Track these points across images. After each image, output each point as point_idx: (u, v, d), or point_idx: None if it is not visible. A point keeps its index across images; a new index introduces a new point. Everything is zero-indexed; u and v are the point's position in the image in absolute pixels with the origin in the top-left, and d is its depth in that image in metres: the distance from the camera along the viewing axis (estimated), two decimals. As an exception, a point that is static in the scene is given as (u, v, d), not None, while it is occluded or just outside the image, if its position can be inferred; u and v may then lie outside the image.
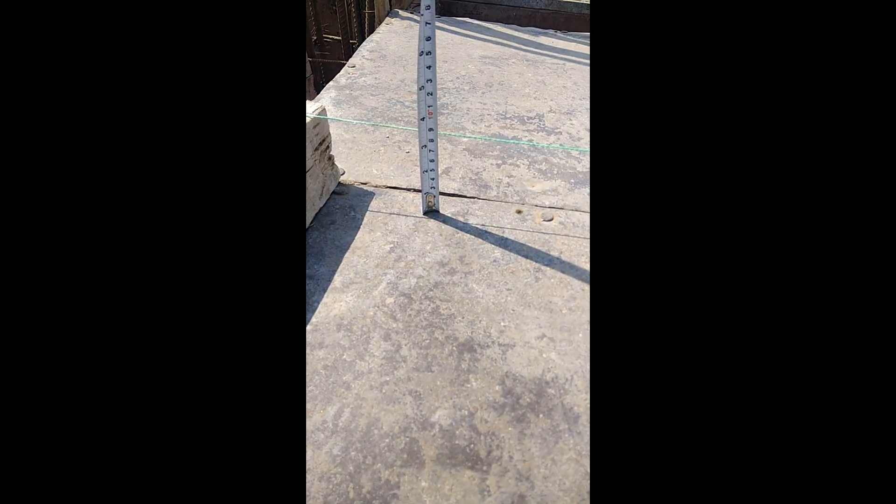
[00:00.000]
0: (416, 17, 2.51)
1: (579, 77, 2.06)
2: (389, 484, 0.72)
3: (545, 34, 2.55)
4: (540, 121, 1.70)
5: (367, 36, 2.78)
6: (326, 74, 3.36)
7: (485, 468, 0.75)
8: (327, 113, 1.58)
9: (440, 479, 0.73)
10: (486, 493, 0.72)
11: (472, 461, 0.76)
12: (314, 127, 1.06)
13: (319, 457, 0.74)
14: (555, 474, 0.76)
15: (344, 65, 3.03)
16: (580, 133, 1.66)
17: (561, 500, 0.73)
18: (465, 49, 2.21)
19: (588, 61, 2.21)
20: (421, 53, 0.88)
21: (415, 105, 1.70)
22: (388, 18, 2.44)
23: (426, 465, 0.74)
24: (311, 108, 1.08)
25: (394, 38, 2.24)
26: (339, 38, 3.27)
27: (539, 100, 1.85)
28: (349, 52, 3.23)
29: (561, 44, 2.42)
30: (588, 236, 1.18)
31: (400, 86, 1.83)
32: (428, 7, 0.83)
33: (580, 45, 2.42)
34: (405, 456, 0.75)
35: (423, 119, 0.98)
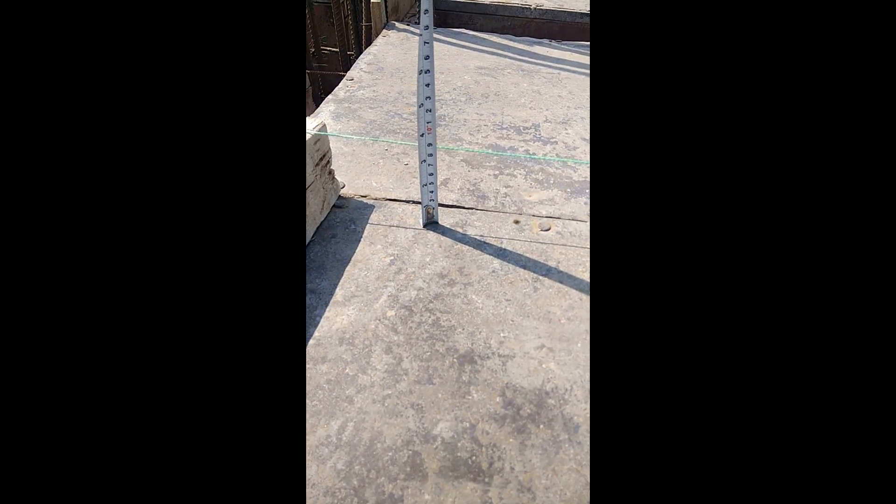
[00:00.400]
0: (412, 28, 2.55)
1: (574, 86, 2.09)
2: (393, 497, 0.73)
3: (540, 44, 2.58)
4: (536, 130, 1.73)
5: (365, 48, 2.82)
6: (325, 86, 3.39)
7: (487, 480, 0.76)
8: (327, 127, 1.60)
9: (443, 491, 0.74)
10: (488, 504, 0.73)
11: (474, 473, 0.77)
12: (315, 143, 1.08)
13: (324, 472, 0.75)
14: (556, 485, 0.77)
15: (342, 76, 3.06)
16: (576, 142, 1.68)
17: (562, 510, 0.74)
18: (461, 60, 2.24)
19: (582, 70, 2.24)
20: (420, 72, 0.90)
21: (413, 117, 1.72)
22: (384, 31, 2.48)
23: (429, 478, 0.75)
24: (312, 124, 1.10)
25: (391, 50, 2.27)
26: (337, 49, 3.31)
27: (535, 109, 1.87)
28: (347, 63, 3.26)
29: (556, 53, 2.45)
30: (586, 245, 1.20)
31: (398, 98, 1.85)
32: (426, 27, 0.85)
33: (575, 55, 2.45)
34: (408, 469, 0.76)
35: (422, 135, 1.00)
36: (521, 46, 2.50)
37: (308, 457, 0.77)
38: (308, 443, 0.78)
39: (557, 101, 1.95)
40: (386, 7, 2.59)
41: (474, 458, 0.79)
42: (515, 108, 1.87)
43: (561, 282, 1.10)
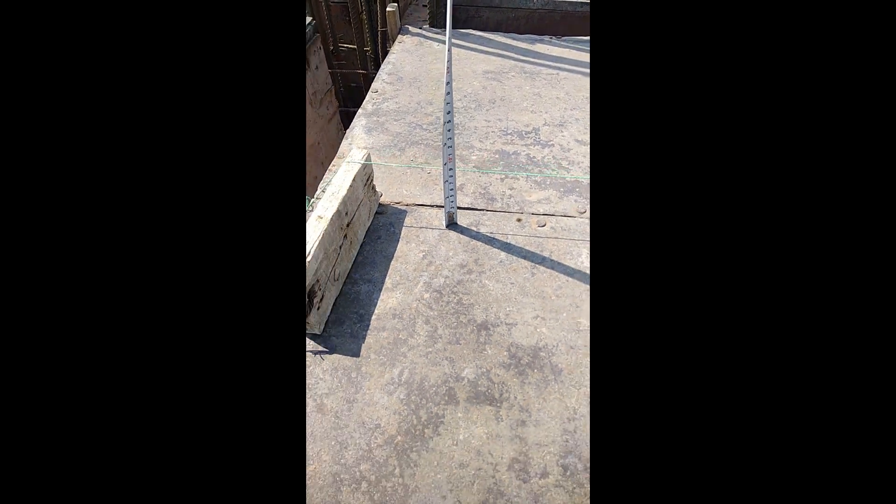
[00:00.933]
0: (424, 31, 2.79)
1: (570, 86, 2.36)
2: (437, 415, 1.13)
3: (541, 41, 2.80)
4: (536, 135, 2.03)
5: (381, 49, 3.07)
6: (344, 82, 3.66)
7: (498, 404, 1.15)
8: (360, 139, 1.94)
9: (469, 411, 1.14)
10: (500, 419, 1.13)
11: (490, 400, 1.16)
12: (364, 169, 1.43)
13: (392, 400, 1.15)
14: (545, 408, 1.16)
15: (360, 74, 3.33)
16: (570, 144, 1.98)
17: (549, 423, 1.13)
18: (469, 65, 2.50)
19: (578, 69, 2.49)
20: (444, 122, 1.23)
21: (431, 128, 2.03)
22: (399, 35, 2.73)
23: (460, 403, 1.15)
24: (360, 154, 1.44)
25: (407, 57, 2.54)
26: (354, 46, 3.55)
27: (535, 113, 2.16)
28: (364, 60, 3.51)
29: (556, 51, 2.68)
30: (573, 238, 1.54)
31: (417, 108, 2.16)
32: (448, 93, 1.17)
33: (573, 52, 2.68)
34: (446, 398, 1.16)
35: (445, 164, 1.34)
36: (523, 45, 2.73)
37: (380, 391, 1.17)
38: (379, 382, 1.18)
39: (556, 103, 2.23)
40: (399, 13, 2.83)
41: (489, 391, 1.18)
42: (518, 113, 2.16)
43: (552, 269, 1.45)
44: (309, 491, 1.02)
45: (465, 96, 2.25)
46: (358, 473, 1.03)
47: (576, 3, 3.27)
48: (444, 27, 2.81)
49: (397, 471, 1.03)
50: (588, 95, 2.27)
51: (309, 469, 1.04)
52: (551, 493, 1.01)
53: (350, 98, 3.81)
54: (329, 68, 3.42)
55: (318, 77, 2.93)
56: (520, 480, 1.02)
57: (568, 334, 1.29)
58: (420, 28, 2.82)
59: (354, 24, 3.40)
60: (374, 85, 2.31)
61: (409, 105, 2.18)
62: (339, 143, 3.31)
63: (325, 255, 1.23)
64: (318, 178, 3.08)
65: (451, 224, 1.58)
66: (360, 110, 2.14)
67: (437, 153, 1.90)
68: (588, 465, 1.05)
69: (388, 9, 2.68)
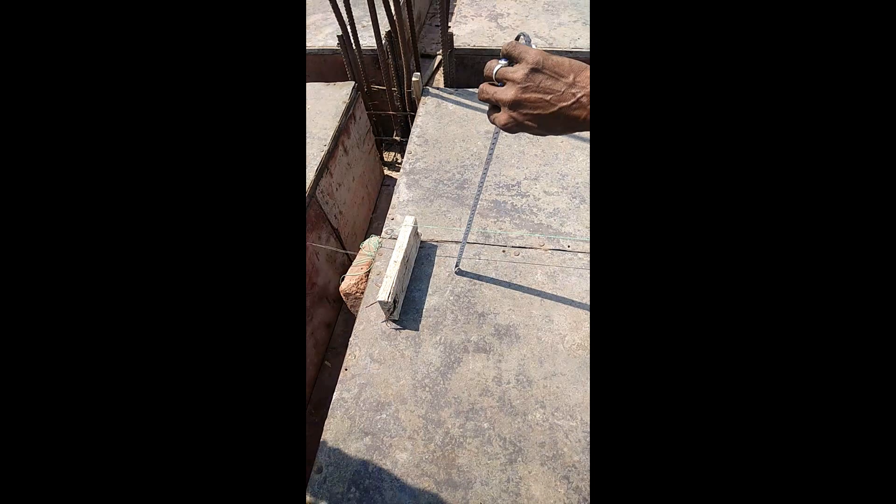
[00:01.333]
0: (443, 93, 3.80)
1: (546, 144, 3.41)
2: (459, 358, 2.35)
3: (528, 98, 3.80)
4: (518, 187, 3.12)
5: (409, 107, 4.08)
6: (376, 114, 4.67)
7: (488, 353, 2.37)
8: (403, 193, 3.06)
9: (474, 356, 2.36)
10: (489, 359, 2.34)
11: (484, 351, 2.38)
12: (414, 227, 2.58)
13: (436, 351, 2.37)
14: (511, 355, 2.37)
15: (391, 115, 4.41)
16: (539, 195, 3.08)
17: (512, 361, 2.34)
18: (474, 126, 3.54)
19: (552, 127, 3.52)
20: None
21: (450, 183, 3.14)
22: (423, 98, 3.75)
23: (470, 352, 2.37)
24: (411, 220, 2.58)
25: (430, 120, 3.58)
26: (384, 87, 4.57)
27: (518, 169, 3.24)
28: (392, 99, 4.52)
29: (537, 108, 3.69)
30: (535, 264, 2.70)
31: (439, 167, 3.24)
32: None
33: (550, 109, 3.69)
34: (463, 350, 2.38)
35: (466, 237, 2.49)
36: (514, 104, 3.74)
37: (431, 347, 2.39)
38: (430, 343, 2.40)
39: (533, 160, 3.29)
40: (415, 38, 3.82)
41: (484, 347, 2.39)
42: (507, 168, 3.24)
43: (520, 283, 2.63)
44: (402, 392, 2.26)
45: (472, 154, 3.33)
46: (423, 384, 2.27)
47: (565, 51, 4.21)
48: (457, 87, 3.86)
49: (441, 381, 2.27)
50: (557, 153, 3.33)
51: (400, 383, 2.28)
52: (511, 391, 2.24)
53: (380, 124, 4.84)
54: (366, 109, 4.45)
55: (360, 124, 3.98)
56: (496, 385, 2.26)
57: (525, 319, 2.49)
58: (438, 90, 3.83)
59: (383, 69, 4.38)
60: (408, 147, 3.39)
61: (433, 164, 3.27)
62: (377, 168, 4.50)
63: (398, 280, 2.41)
64: (366, 198, 4.20)
65: (460, 261, 2.74)
66: (401, 168, 3.24)
67: (454, 203, 3.02)
68: (531, 380, 2.27)
69: (413, 78, 3.68)
